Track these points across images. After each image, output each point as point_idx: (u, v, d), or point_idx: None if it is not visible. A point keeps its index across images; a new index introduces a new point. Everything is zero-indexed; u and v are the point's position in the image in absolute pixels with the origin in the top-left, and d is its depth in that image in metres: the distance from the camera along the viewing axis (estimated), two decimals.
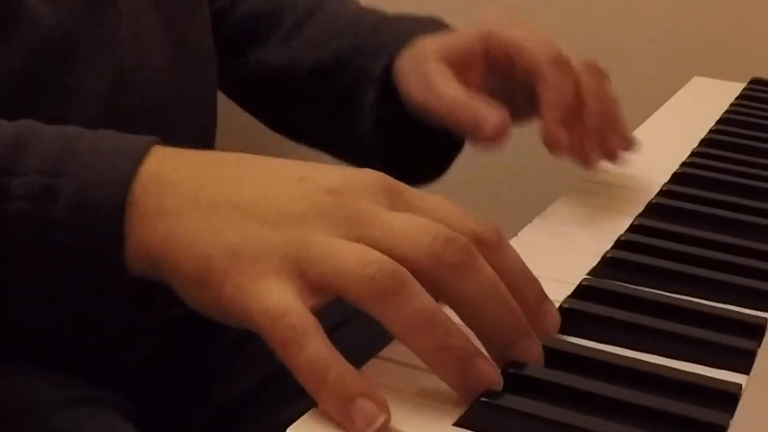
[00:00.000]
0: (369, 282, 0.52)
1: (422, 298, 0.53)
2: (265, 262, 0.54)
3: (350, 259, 0.53)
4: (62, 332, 0.61)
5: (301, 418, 0.52)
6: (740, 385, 0.57)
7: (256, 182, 0.58)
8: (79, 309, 0.59)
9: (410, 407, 0.54)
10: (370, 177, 0.58)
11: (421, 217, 0.56)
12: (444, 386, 0.54)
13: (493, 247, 0.57)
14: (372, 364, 0.58)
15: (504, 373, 0.55)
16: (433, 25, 0.93)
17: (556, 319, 0.60)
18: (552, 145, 0.77)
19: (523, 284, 0.57)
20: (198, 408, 0.89)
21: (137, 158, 0.58)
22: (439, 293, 0.55)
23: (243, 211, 0.56)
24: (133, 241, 0.57)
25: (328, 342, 0.52)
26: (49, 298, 0.58)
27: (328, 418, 0.52)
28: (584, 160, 0.82)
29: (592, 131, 0.81)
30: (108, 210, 0.56)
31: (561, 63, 0.81)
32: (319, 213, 0.55)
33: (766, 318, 0.64)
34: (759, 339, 0.62)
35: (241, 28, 1.01)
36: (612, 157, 0.83)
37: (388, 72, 0.90)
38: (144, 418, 0.76)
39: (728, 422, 0.53)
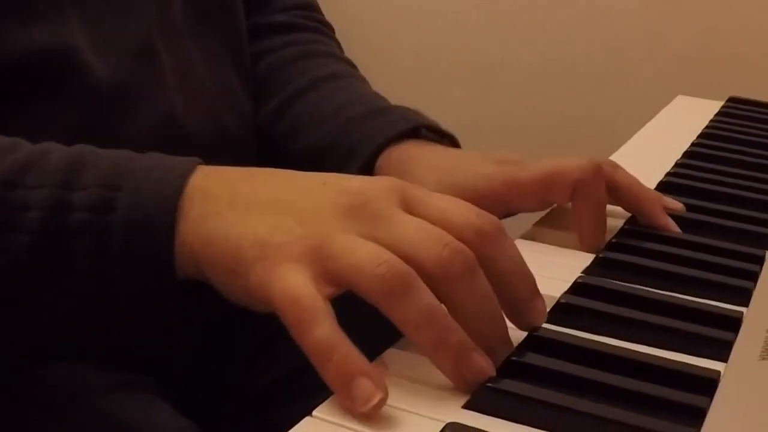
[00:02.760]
0: (380, 280, 0.53)
1: (426, 297, 0.53)
2: (288, 249, 0.54)
3: (365, 257, 0.53)
4: (111, 332, 0.61)
5: (324, 403, 0.52)
6: (719, 372, 0.57)
7: (284, 186, 0.59)
8: (131, 313, 0.59)
9: (423, 393, 0.54)
10: (384, 181, 0.59)
11: (430, 215, 0.56)
12: None
13: (493, 240, 0.57)
14: (389, 354, 0.58)
15: (508, 361, 0.55)
16: (412, 122, 0.87)
17: (543, 314, 0.60)
18: (590, 250, 0.75)
19: (517, 278, 0.58)
20: (232, 394, 0.89)
21: (185, 174, 0.59)
22: (438, 296, 0.55)
23: (272, 208, 0.57)
24: (180, 244, 0.57)
25: (337, 325, 0.52)
26: (104, 303, 0.58)
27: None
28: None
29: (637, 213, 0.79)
30: (161, 219, 0.57)
31: (596, 174, 0.75)
32: (340, 211, 0.56)
33: (742, 312, 0.64)
34: (735, 330, 0.62)
35: (256, 84, 0.97)
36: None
37: (366, 171, 0.85)
38: (182, 403, 0.76)
39: (708, 405, 0.53)
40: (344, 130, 0.89)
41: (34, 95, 0.72)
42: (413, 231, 0.55)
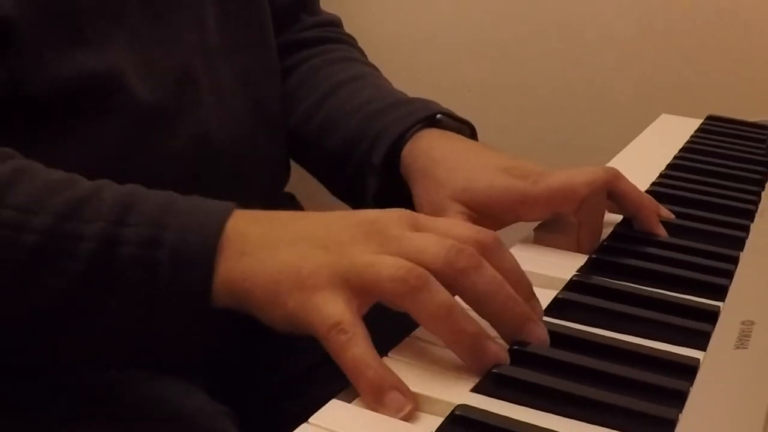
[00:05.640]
0: (401, 282, 0.53)
1: (442, 293, 0.54)
2: (320, 277, 0.55)
3: (385, 267, 0.54)
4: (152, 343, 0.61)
5: (349, 387, 0.53)
6: (698, 360, 0.57)
7: (308, 223, 0.60)
8: (170, 330, 0.60)
9: (436, 378, 0.54)
10: (395, 211, 0.59)
11: (437, 232, 0.57)
12: (464, 364, 0.55)
13: (492, 252, 0.57)
14: (406, 343, 0.58)
15: (510, 350, 0.56)
16: (430, 110, 0.87)
17: (539, 315, 0.60)
18: (585, 252, 0.74)
19: (515, 282, 0.58)
20: (264, 382, 0.89)
21: (224, 218, 0.59)
22: (455, 293, 0.55)
23: (300, 242, 0.57)
24: (218, 279, 0.57)
25: (371, 345, 0.53)
26: (146, 324, 0.59)
27: None
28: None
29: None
30: (202, 256, 0.57)
31: (599, 190, 0.76)
32: (359, 237, 0.57)
33: (719, 306, 0.64)
34: (713, 323, 0.62)
35: (288, 94, 0.98)
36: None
37: (390, 160, 0.85)
38: (217, 390, 0.76)
39: (688, 389, 0.53)
40: (368, 122, 0.89)
41: (83, 116, 0.72)
42: (420, 242, 0.56)
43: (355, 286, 0.54)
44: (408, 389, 0.52)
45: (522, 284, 0.58)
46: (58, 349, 0.62)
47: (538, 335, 0.57)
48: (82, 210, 0.59)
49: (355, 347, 0.52)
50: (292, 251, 0.57)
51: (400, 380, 0.52)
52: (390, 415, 0.51)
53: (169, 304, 0.58)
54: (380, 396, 0.51)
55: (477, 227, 0.59)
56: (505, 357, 0.54)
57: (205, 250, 0.57)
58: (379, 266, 0.54)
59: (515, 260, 0.59)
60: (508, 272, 0.57)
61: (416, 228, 0.58)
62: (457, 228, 0.59)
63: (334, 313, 0.53)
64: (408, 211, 0.60)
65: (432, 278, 0.54)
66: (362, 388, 0.52)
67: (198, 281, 0.57)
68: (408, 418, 0.51)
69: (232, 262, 0.57)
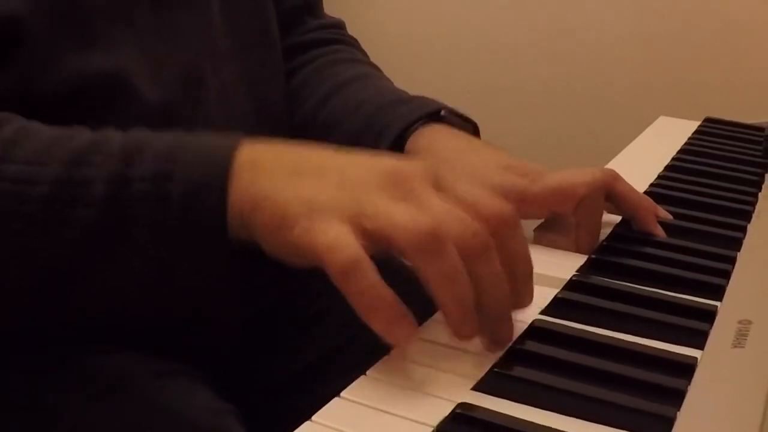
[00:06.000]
0: (416, 237, 0.52)
1: (455, 257, 0.53)
2: (331, 211, 0.54)
3: (403, 217, 0.53)
4: (168, 309, 0.61)
5: (352, 385, 0.53)
6: (696, 359, 0.57)
7: (329, 156, 0.59)
8: (191, 282, 0.58)
9: (438, 377, 0.54)
10: (420, 163, 0.58)
11: (460, 196, 0.56)
12: (465, 363, 0.55)
13: (508, 227, 0.56)
14: None
15: (511, 349, 0.56)
16: (433, 107, 0.87)
17: (531, 296, 0.59)
18: (584, 252, 0.74)
19: (520, 263, 0.57)
20: (269, 379, 0.89)
21: (234, 146, 0.58)
22: None
23: (319, 174, 0.56)
24: (231, 208, 0.56)
25: (379, 275, 0.52)
26: (165, 270, 0.57)
27: (375, 384, 0.52)
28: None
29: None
30: (214, 185, 0.56)
31: (597, 190, 0.76)
32: (379, 183, 0.56)
33: (716, 305, 0.64)
34: (711, 322, 0.62)
35: (292, 94, 0.97)
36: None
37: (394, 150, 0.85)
38: (222, 389, 0.76)
39: (686, 388, 0.53)
40: (372, 118, 0.88)
41: (89, 116, 0.71)
42: (440, 209, 0.55)
43: (366, 229, 0.53)
44: (412, 319, 0.53)
45: (524, 265, 0.58)
46: (75, 311, 0.61)
47: (506, 335, 0.57)
48: (90, 156, 0.58)
49: (364, 276, 0.52)
50: (306, 183, 0.56)
51: (405, 308, 0.53)
52: (399, 343, 0.52)
53: (187, 241, 0.56)
54: (391, 327, 0.52)
55: (498, 200, 0.57)
56: (477, 334, 0.55)
57: (215, 179, 0.56)
58: (397, 215, 0.53)
59: (525, 239, 0.58)
60: (517, 253, 0.57)
61: (439, 187, 0.57)
62: (480, 199, 0.57)
63: (339, 237, 0.52)
64: (433, 165, 0.58)
65: (448, 242, 0.53)
66: (372, 319, 0.52)
67: (211, 212, 0.56)
68: (411, 345, 0.52)
69: (245, 191, 0.56)
